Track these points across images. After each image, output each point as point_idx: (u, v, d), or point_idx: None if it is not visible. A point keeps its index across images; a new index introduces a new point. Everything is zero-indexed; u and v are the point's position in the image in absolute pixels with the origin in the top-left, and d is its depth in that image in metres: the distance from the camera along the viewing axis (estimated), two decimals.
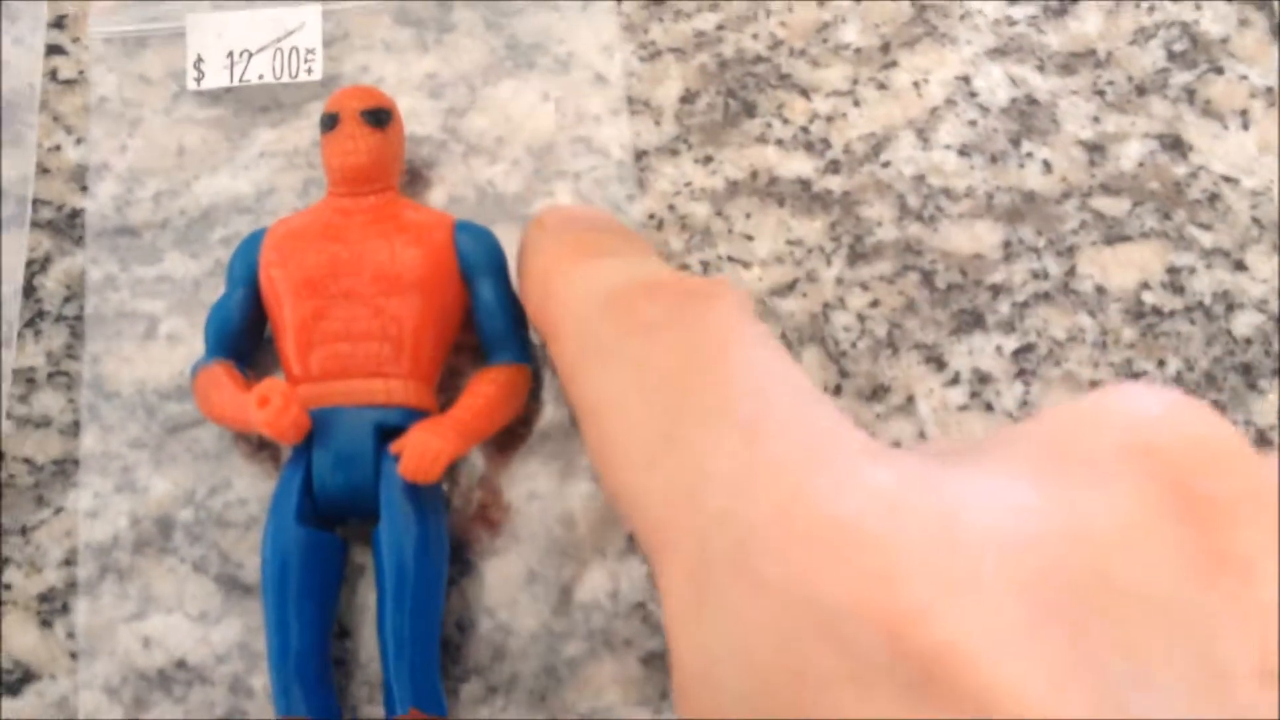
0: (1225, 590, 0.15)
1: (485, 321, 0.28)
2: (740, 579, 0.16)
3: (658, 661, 0.27)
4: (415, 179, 0.31)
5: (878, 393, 0.29)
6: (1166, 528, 0.16)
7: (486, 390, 0.27)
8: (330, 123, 0.28)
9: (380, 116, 0.28)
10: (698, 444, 0.18)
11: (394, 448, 0.26)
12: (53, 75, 0.32)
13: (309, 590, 0.26)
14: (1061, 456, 0.17)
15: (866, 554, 0.15)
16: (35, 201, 0.31)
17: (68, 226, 0.31)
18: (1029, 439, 0.17)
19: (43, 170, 0.31)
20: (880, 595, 0.15)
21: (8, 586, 0.28)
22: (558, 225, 0.26)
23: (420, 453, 0.25)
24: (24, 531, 0.28)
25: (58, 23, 0.33)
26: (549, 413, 0.28)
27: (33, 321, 0.30)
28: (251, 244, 0.28)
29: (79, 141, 0.32)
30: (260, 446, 0.29)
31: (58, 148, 0.32)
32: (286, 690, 0.25)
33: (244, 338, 0.28)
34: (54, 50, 0.32)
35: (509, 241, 0.29)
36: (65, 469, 0.29)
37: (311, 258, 0.27)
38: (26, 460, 0.29)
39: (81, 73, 0.32)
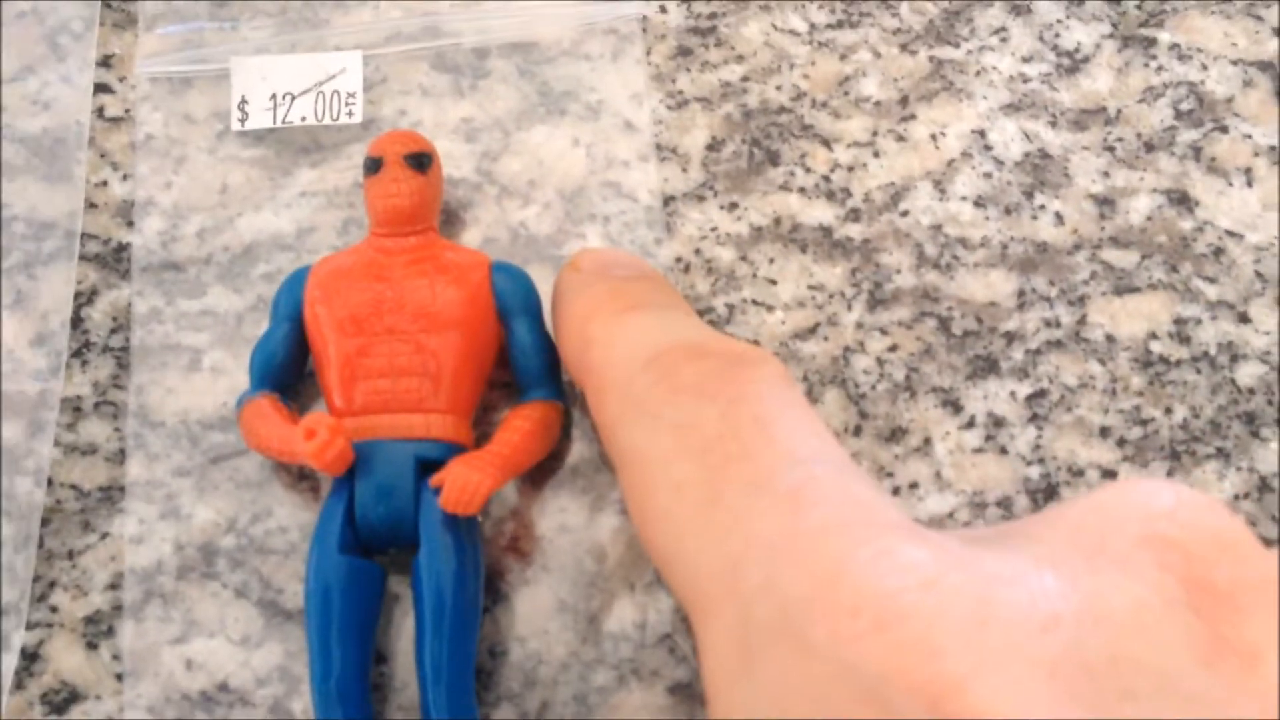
0: (1232, 674, 0.17)
1: (520, 360, 0.29)
2: (783, 644, 0.18)
3: (684, 691, 0.28)
4: (451, 219, 0.32)
5: (896, 434, 0.30)
6: (1179, 614, 0.17)
7: (522, 426, 0.28)
8: (374, 166, 0.30)
9: (422, 160, 0.30)
10: (741, 511, 0.19)
11: (434, 481, 0.27)
12: (100, 113, 0.33)
13: (351, 617, 0.27)
14: (1084, 545, 0.18)
15: (907, 626, 0.17)
16: (83, 236, 0.32)
17: (114, 260, 0.32)
18: (1053, 527, 0.19)
19: (90, 205, 0.32)
20: (921, 666, 0.16)
21: (55, 609, 0.29)
22: (593, 269, 0.27)
23: (462, 486, 0.26)
24: (71, 556, 0.29)
25: (105, 62, 0.34)
26: (579, 448, 0.30)
27: (80, 352, 0.31)
28: (296, 281, 0.29)
29: (125, 178, 0.33)
30: (301, 477, 0.30)
31: (105, 183, 0.33)
32: (328, 713, 0.26)
33: (287, 371, 0.29)
34: (101, 89, 0.34)
35: (542, 281, 0.30)
36: (111, 495, 0.30)
37: (355, 295, 0.29)
38: (73, 486, 0.30)
39: (128, 111, 0.33)
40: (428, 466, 0.28)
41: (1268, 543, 0.28)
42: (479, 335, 0.29)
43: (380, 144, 0.30)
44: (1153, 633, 0.17)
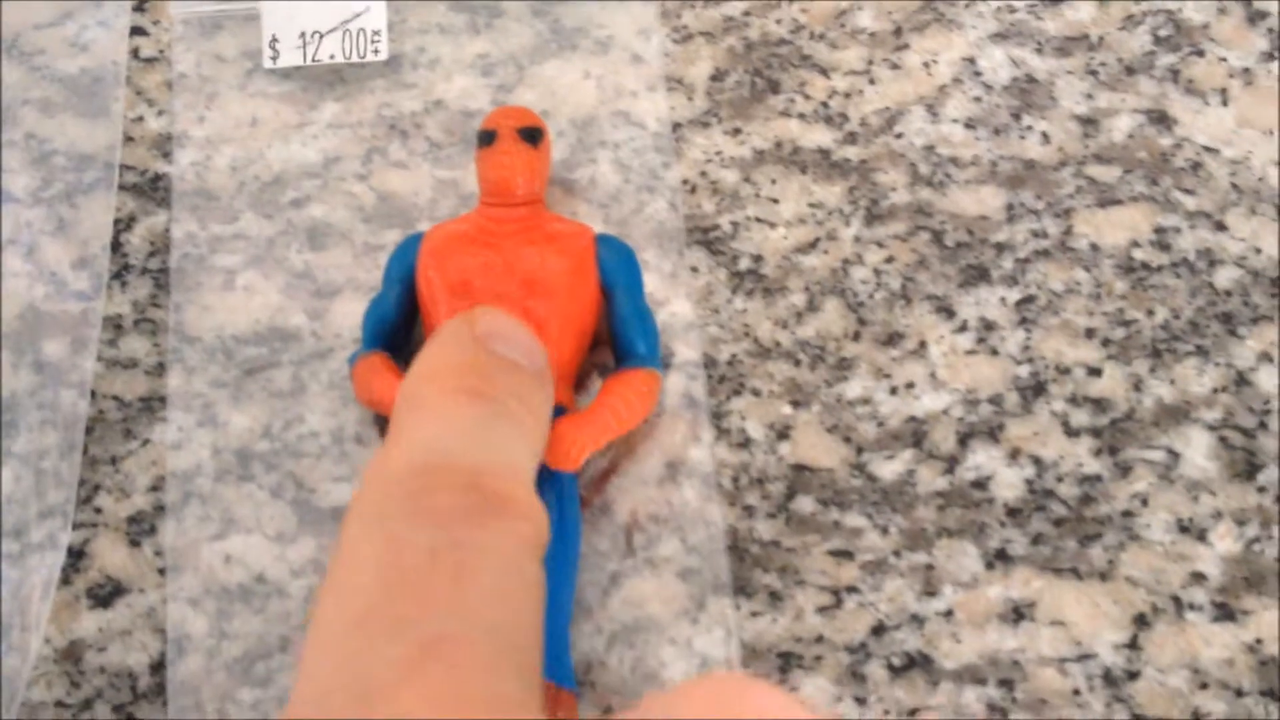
0: None
1: (621, 328, 0.30)
2: None
3: (694, 577, 0.29)
4: (470, 148, 0.34)
5: (893, 339, 0.31)
6: None
7: (623, 391, 0.30)
8: (488, 139, 0.31)
9: (534, 135, 0.31)
10: (375, 641, 0.20)
11: None
12: (135, 54, 0.35)
13: None
14: None
15: None
16: (121, 167, 0.34)
17: (150, 189, 0.34)
18: None
19: (127, 139, 0.34)
20: None
21: (99, 510, 0.30)
22: (481, 334, 0.26)
23: (565, 445, 0.28)
24: (114, 461, 0.31)
25: (139, 6, 0.36)
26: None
27: (119, 274, 0.33)
28: (409, 246, 0.31)
29: (160, 113, 0.35)
30: (330, 385, 0.31)
31: (141, 119, 0.34)
32: None
33: (398, 332, 0.31)
34: (137, 31, 0.35)
35: (554, 205, 0.32)
36: (151, 406, 0.31)
37: (467, 261, 0.30)
38: (115, 398, 0.31)
39: (162, 52, 0.35)
40: None
41: (1250, 435, 0.30)
42: (582, 302, 0.30)
43: (494, 117, 0.31)
44: None
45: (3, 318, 0.32)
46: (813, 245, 0.33)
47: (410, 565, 0.21)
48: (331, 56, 0.34)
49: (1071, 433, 0.30)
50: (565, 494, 0.29)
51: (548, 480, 0.28)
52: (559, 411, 0.29)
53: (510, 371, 0.26)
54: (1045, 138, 0.34)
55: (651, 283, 0.32)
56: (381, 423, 0.31)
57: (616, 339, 0.30)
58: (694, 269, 0.32)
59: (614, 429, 0.29)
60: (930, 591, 0.29)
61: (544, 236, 0.30)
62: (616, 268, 0.31)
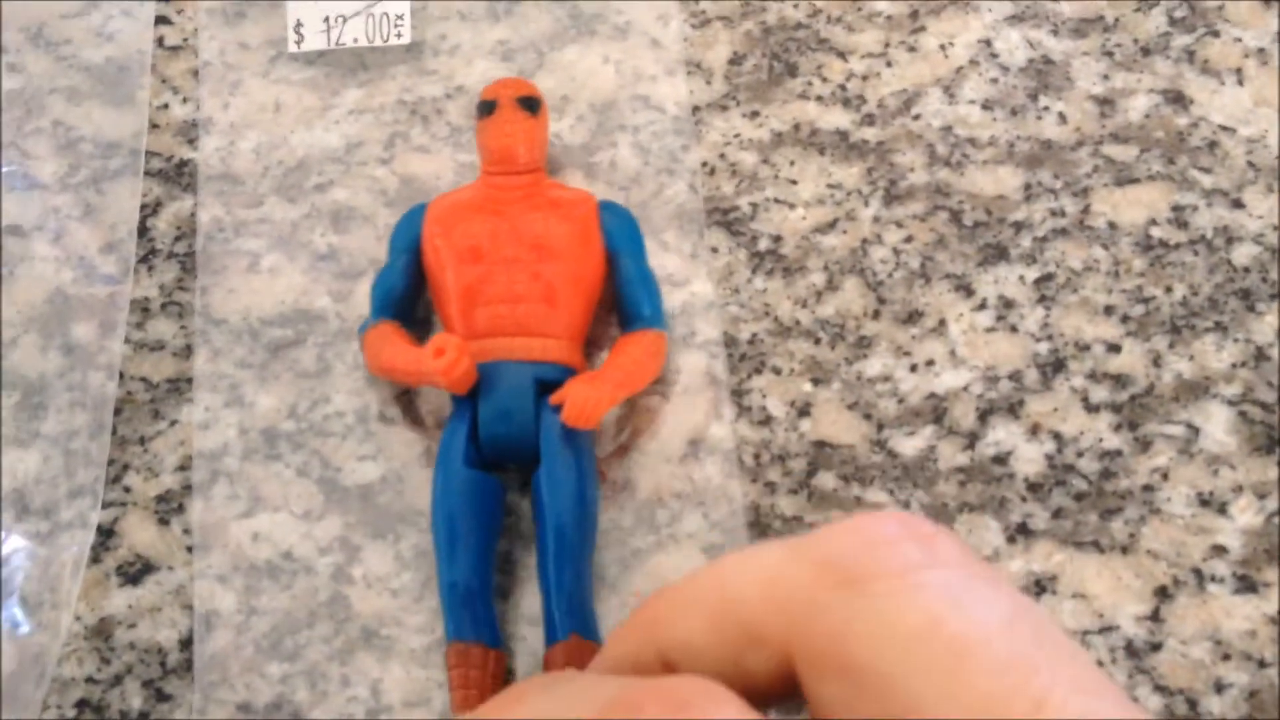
0: None
1: (627, 291, 0.31)
2: None
3: (717, 552, 0.29)
4: None
5: (913, 317, 0.32)
6: None
7: (633, 351, 0.30)
8: (488, 109, 0.32)
9: (533, 104, 0.32)
10: None
11: (554, 398, 0.29)
12: (160, 42, 0.36)
13: (475, 526, 0.29)
14: None
15: None
16: (147, 153, 0.34)
17: (176, 175, 0.34)
18: None
19: (153, 126, 0.35)
20: None
21: (128, 489, 0.31)
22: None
23: (583, 401, 0.28)
24: (142, 441, 0.31)
25: None
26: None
27: (146, 258, 0.33)
28: (414, 217, 0.31)
29: (185, 100, 0.35)
30: (355, 366, 0.32)
31: (166, 106, 0.35)
32: (456, 618, 0.28)
33: (406, 301, 0.31)
34: (161, 20, 0.36)
35: (578, 183, 0.32)
36: (179, 387, 0.32)
37: (475, 227, 0.30)
38: (143, 379, 0.32)
39: (186, 40, 0.36)
40: (545, 387, 0.29)
41: (1269, 409, 0.30)
42: (589, 266, 0.31)
43: (494, 89, 0.32)
44: None
45: (33, 302, 0.32)
46: (832, 225, 0.33)
47: None
48: (355, 40, 0.34)
49: (1091, 408, 0.30)
50: (584, 453, 0.29)
51: (567, 440, 0.29)
52: (571, 372, 0.30)
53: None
54: (1062, 118, 0.34)
55: (672, 263, 0.32)
56: (403, 401, 0.31)
57: (623, 301, 0.31)
58: (714, 250, 0.33)
59: (627, 387, 0.30)
60: None
61: (548, 203, 0.31)
62: (619, 232, 0.31)
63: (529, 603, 0.29)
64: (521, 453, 0.29)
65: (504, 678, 0.28)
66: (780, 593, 0.19)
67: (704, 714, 0.17)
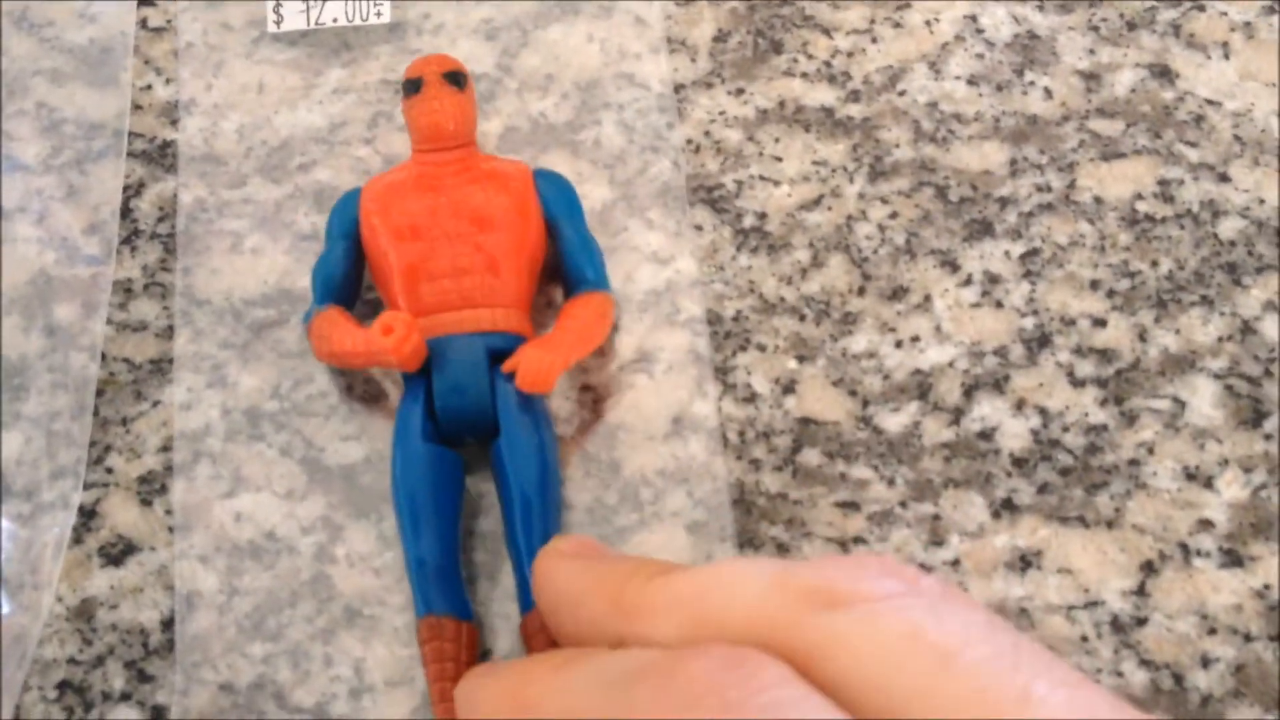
0: None
1: (570, 257, 0.31)
2: None
3: (700, 530, 0.29)
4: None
5: (898, 293, 0.32)
6: None
7: (581, 314, 0.30)
8: (414, 87, 0.31)
9: (459, 78, 0.31)
10: None
11: (507, 366, 0.29)
12: (143, 24, 0.35)
13: (438, 501, 0.29)
14: None
15: None
16: (130, 134, 0.34)
17: (159, 156, 0.34)
18: None
19: (136, 107, 0.34)
20: None
21: (110, 470, 0.31)
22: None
23: (535, 366, 0.28)
24: (124, 422, 0.31)
25: None
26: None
27: (129, 239, 0.33)
28: (349, 201, 0.31)
29: (168, 82, 0.35)
30: None
31: (149, 87, 0.35)
32: (425, 591, 0.28)
33: (347, 286, 0.31)
34: (144, 2, 0.36)
35: (559, 164, 0.32)
36: (161, 368, 0.32)
37: (412, 205, 0.30)
38: (126, 360, 0.32)
39: (169, 21, 0.35)
40: (497, 357, 0.29)
41: (1255, 383, 0.30)
42: (530, 235, 0.31)
43: (418, 66, 0.32)
44: None
45: (15, 283, 0.32)
46: (816, 202, 0.33)
47: None
48: (334, 20, 0.34)
49: (1077, 383, 0.30)
50: (542, 419, 0.29)
51: (524, 407, 0.29)
52: (522, 340, 0.30)
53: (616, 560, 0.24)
54: (1048, 93, 0.34)
55: (656, 241, 0.32)
56: (385, 382, 0.31)
57: (566, 268, 0.31)
58: (698, 227, 0.32)
59: (579, 349, 0.29)
60: (937, 541, 0.29)
61: (483, 175, 0.31)
62: (557, 200, 0.31)
63: (498, 570, 0.29)
64: (479, 425, 0.29)
65: (477, 651, 0.28)
66: (767, 610, 0.20)
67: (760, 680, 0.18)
